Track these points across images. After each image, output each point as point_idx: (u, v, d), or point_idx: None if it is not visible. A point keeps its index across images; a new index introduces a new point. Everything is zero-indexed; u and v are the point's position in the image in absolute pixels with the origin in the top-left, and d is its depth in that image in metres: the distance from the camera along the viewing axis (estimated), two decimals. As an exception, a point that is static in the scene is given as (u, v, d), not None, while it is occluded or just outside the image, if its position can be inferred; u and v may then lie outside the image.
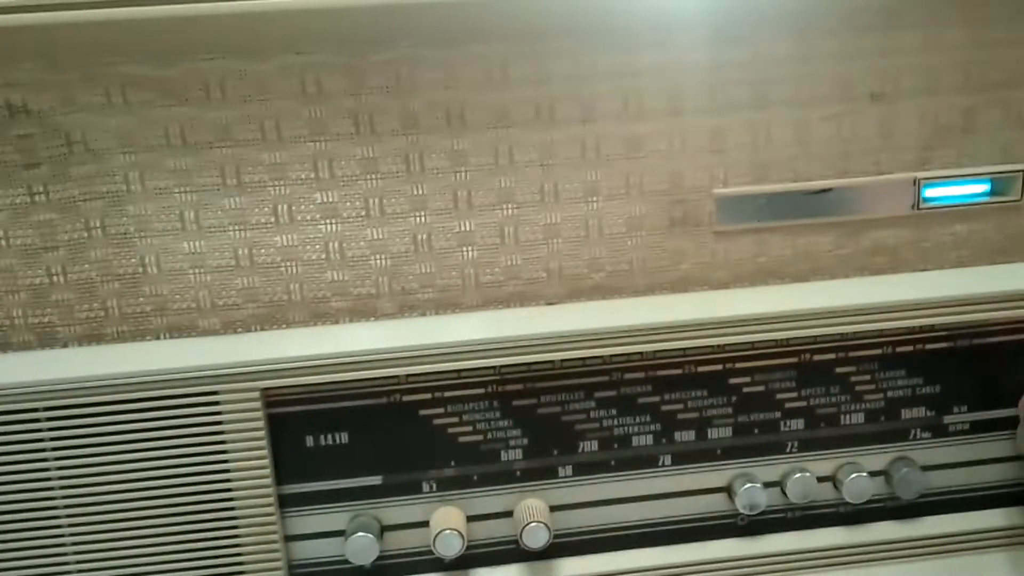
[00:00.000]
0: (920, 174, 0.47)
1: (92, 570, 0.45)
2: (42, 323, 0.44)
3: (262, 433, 0.45)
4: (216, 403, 0.44)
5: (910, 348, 0.49)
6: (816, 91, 0.45)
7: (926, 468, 0.50)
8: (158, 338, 0.45)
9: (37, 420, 0.43)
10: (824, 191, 0.47)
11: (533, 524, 0.47)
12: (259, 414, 0.45)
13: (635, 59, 0.44)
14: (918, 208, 0.48)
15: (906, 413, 0.50)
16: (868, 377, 0.49)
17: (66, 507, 0.45)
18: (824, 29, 0.45)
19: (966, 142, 0.47)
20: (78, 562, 0.45)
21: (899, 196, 0.48)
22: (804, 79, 0.45)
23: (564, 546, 0.49)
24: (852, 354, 0.49)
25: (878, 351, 0.49)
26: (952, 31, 0.45)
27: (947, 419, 0.50)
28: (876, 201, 0.47)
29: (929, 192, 0.48)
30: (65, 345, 0.45)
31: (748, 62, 0.45)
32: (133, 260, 0.44)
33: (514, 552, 0.49)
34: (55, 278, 0.44)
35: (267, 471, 0.45)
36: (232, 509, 0.46)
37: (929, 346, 0.49)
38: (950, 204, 0.48)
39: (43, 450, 0.44)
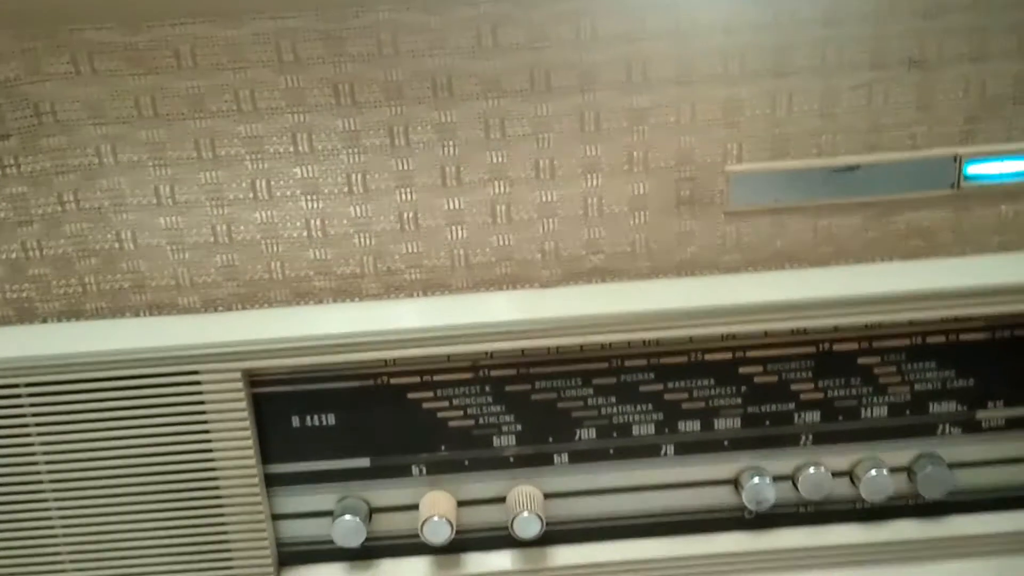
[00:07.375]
0: (962, 149, 0.43)
1: (79, 544, 0.45)
2: (20, 298, 0.43)
3: (245, 413, 0.44)
4: (197, 382, 0.43)
5: (943, 339, 0.45)
6: (845, 57, 0.41)
7: (953, 466, 0.46)
8: (138, 315, 0.44)
9: (19, 396, 0.43)
10: (851, 168, 0.43)
11: (525, 515, 0.45)
12: (242, 394, 0.43)
13: (640, 22, 0.40)
14: (958, 187, 0.43)
15: (935, 407, 0.46)
16: (894, 369, 0.45)
17: (52, 482, 0.44)
18: (855, -12, 0.40)
19: (1016, 114, 0.42)
20: (65, 536, 0.45)
21: (937, 174, 0.43)
22: (831, 43, 0.40)
23: (559, 534, 0.47)
24: (877, 344, 0.45)
25: (906, 341, 0.45)
26: (1006, -12, 0.40)
27: (980, 414, 0.46)
28: (911, 179, 0.43)
29: (971, 169, 0.43)
30: (44, 321, 0.44)
31: (768, 24, 0.40)
32: (109, 235, 0.42)
33: (506, 538, 0.47)
34: (31, 252, 0.42)
35: (251, 451, 0.44)
36: (216, 487, 0.45)
37: (964, 337, 0.45)
38: (995, 182, 0.43)
39: (26, 426, 0.43)
